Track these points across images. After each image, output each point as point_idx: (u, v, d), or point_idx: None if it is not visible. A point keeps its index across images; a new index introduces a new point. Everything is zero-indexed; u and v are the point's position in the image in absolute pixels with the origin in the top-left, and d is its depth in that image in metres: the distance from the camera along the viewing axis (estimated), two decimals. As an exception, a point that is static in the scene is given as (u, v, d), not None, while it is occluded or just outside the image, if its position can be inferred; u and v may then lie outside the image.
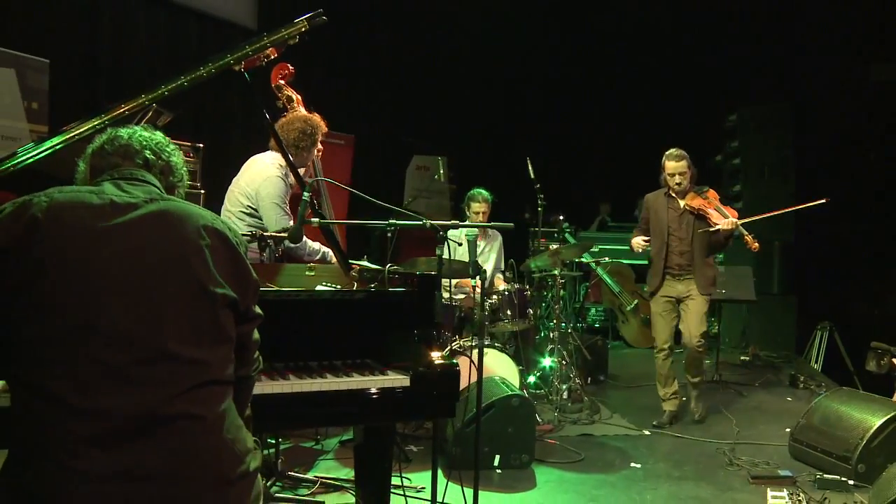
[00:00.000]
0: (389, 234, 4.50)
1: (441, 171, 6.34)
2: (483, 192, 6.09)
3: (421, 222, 2.89)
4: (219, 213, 4.27)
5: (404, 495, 3.46)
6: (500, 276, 6.22)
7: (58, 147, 2.80)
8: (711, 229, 5.30)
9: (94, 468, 1.54)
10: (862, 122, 8.10)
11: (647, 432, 5.15)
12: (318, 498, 3.78)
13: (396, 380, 2.49)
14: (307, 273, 3.28)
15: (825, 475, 4.23)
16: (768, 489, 3.89)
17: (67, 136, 2.79)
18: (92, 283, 1.63)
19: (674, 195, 5.52)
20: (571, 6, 10.37)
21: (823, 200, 5.21)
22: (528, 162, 6.27)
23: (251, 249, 3.63)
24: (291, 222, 3.84)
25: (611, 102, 10.71)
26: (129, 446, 1.58)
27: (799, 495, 3.82)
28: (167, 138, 2.07)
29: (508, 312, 5.64)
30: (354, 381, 2.44)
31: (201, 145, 5.58)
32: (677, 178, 5.46)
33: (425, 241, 5.95)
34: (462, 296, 5.78)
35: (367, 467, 2.91)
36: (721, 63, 9.39)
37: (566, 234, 8.84)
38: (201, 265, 1.75)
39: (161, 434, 1.61)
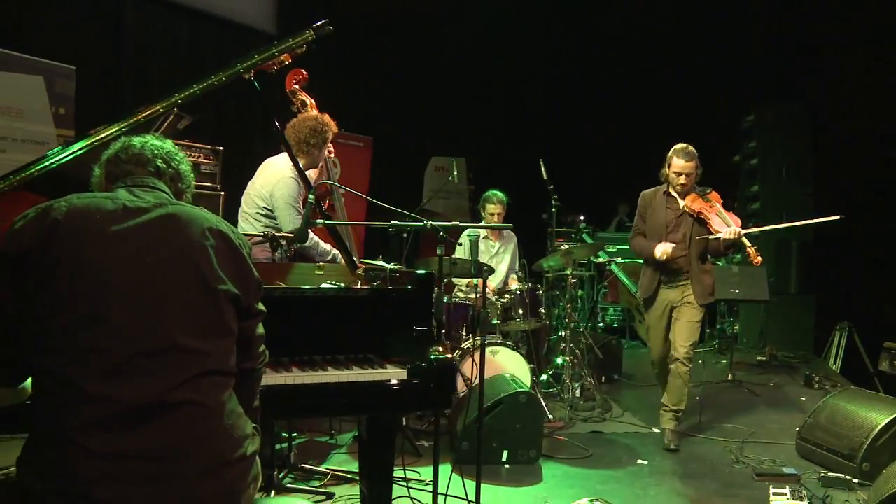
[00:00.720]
0: (405, 235, 4.64)
1: (455, 173, 6.43)
2: (498, 193, 6.20)
3: (422, 223, 2.99)
4: (237, 214, 4.44)
5: (407, 487, 3.57)
6: (515, 276, 6.32)
7: (83, 151, 2.95)
8: (711, 237, 4.93)
9: (103, 448, 1.68)
10: (880, 122, 8.07)
11: (656, 430, 5.22)
12: (329, 489, 3.91)
13: (394, 373, 2.61)
14: (316, 272, 3.41)
15: (830, 473, 4.28)
16: (771, 486, 3.95)
17: (92, 141, 2.94)
18: (103, 281, 1.76)
19: (675, 194, 5.14)
20: (588, 6, 10.42)
21: (837, 217, 4.80)
22: (542, 163, 6.37)
23: (264, 249, 3.79)
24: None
25: (630, 102, 10.74)
26: (135, 429, 1.71)
27: (801, 492, 3.88)
28: (176, 147, 2.20)
29: (520, 311, 5.74)
30: (354, 374, 2.56)
31: (221, 148, 5.75)
32: (683, 179, 5.05)
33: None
34: (475, 295, 5.88)
35: (371, 460, 3.03)
36: (739, 63, 9.40)
37: (583, 234, 8.91)
38: (205, 264, 1.88)
39: (164, 418, 1.73)
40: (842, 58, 8.35)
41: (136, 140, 2.13)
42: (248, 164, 4.57)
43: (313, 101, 4.54)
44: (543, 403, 5.52)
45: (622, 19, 10.47)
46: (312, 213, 3.12)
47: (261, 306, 2.07)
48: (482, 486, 3.32)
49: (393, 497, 3.00)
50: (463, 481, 3.52)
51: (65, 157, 2.90)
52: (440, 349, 2.75)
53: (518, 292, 5.79)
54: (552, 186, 6.39)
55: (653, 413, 5.64)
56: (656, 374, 5.37)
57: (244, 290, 1.96)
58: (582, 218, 9.07)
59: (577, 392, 6.01)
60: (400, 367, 2.64)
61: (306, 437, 4.88)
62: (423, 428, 5.06)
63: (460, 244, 5.30)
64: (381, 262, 3.37)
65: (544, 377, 6.27)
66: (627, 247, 9.29)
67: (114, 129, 2.87)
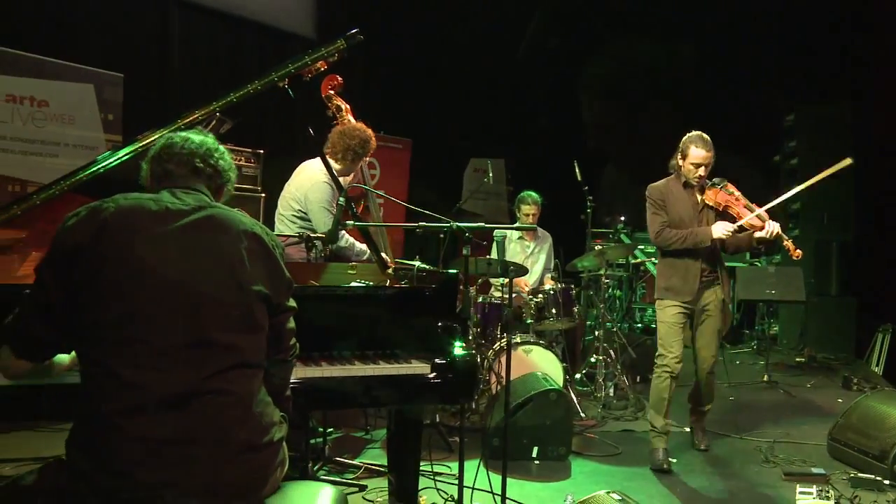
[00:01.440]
0: (441, 236, 4.76)
1: (490, 174, 6.52)
2: (532, 194, 6.28)
3: (448, 224, 3.11)
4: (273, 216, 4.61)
5: (434, 479, 3.69)
6: (550, 275, 6.40)
7: (130, 155, 3.12)
8: (757, 234, 4.46)
9: (141, 432, 1.82)
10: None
11: (687, 429, 5.25)
12: (363, 482, 4.04)
13: (418, 367, 2.73)
14: (349, 272, 3.55)
15: (860, 474, 4.29)
16: (798, 485, 3.97)
17: (138, 146, 3.11)
18: (145, 278, 1.90)
19: (692, 186, 4.68)
20: (623, 5, 10.42)
21: (849, 161, 4.51)
22: (576, 164, 6.44)
23: (300, 249, 3.94)
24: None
25: (670, 101, 10.72)
26: (170, 415, 1.84)
27: (828, 492, 3.89)
28: (216, 142, 2.32)
29: (554, 311, 5.82)
30: (380, 368, 2.69)
31: (262, 151, 5.94)
32: (702, 171, 4.61)
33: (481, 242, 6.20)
34: (512, 295, 5.96)
35: (398, 453, 3.15)
36: (780, 61, 9.33)
37: (621, 235, 8.94)
38: (239, 265, 2.02)
39: (197, 406, 1.87)
40: (886, 58, 8.26)
41: (178, 139, 2.26)
42: (289, 167, 4.73)
43: (348, 107, 4.68)
44: (576, 402, 5.60)
45: (661, 18, 10.45)
46: (343, 214, 3.26)
47: (292, 303, 2.20)
48: (512, 480, 3.43)
49: (420, 488, 3.13)
50: (488, 475, 3.62)
51: (113, 162, 3.08)
52: (463, 346, 2.86)
53: (551, 292, 5.87)
54: (587, 187, 6.45)
55: (686, 412, 5.68)
56: (660, 386, 4.66)
57: (275, 290, 2.10)
58: (623, 218, 9.10)
59: (611, 391, 6.07)
60: (424, 362, 2.76)
61: (342, 432, 5.03)
62: (456, 424, 5.17)
63: (497, 239, 5.39)
64: (416, 262, 3.50)
65: (578, 376, 6.34)
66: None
67: (157, 136, 3.04)
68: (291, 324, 2.23)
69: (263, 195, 5.78)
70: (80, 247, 1.89)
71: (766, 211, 4.53)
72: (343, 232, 4.12)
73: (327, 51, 3.18)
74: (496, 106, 9.97)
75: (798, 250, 4.43)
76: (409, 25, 8.65)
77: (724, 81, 10.02)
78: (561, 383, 5.13)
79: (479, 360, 5.36)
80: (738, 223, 4.53)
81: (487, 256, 5.34)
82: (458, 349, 2.81)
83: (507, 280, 6.12)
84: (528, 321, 5.74)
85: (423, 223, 3.11)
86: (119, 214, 1.96)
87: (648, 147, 11.27)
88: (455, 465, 4.31)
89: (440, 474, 4.10)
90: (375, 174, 8.22)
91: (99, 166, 3.07)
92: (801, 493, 3.89)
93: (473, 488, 3.70)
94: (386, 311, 2.93)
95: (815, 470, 4.40)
